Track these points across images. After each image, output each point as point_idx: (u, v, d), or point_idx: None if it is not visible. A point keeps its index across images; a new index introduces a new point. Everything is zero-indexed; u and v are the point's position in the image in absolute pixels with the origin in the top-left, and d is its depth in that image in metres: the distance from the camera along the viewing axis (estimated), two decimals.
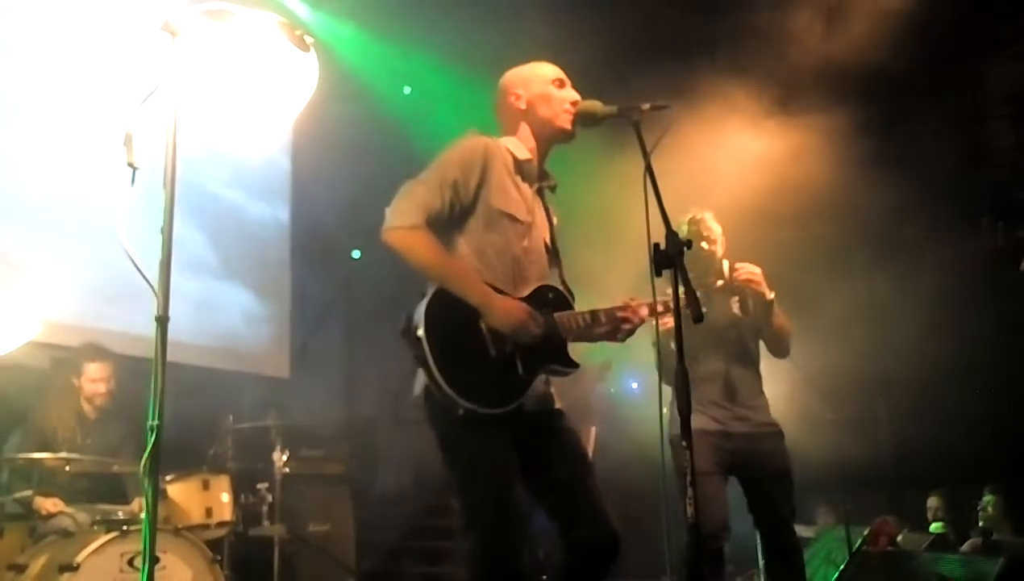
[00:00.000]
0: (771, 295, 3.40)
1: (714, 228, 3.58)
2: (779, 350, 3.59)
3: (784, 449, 3.48)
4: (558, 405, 2.54)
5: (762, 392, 3.57)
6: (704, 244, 3.49)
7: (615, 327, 2.53)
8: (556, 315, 2.44)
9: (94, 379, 4.39)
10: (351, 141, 6.70)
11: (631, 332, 2.57)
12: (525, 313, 2.31)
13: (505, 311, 2.29)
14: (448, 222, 2.39)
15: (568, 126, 2.54)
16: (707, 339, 3.50)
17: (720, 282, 3.43)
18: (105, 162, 4.14)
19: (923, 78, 5.12)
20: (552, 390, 2.53)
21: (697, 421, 3.37)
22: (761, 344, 3.64)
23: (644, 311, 2.56)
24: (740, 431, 3.41)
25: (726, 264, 3.42)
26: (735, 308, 3.57)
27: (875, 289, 5.96)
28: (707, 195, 3.68)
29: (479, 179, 2.41)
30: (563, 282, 2.62)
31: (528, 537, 2.39)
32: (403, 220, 2.30)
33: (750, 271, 3.38)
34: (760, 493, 3.42)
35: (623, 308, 2.54)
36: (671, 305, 2.43)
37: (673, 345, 3.41)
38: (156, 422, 1.99)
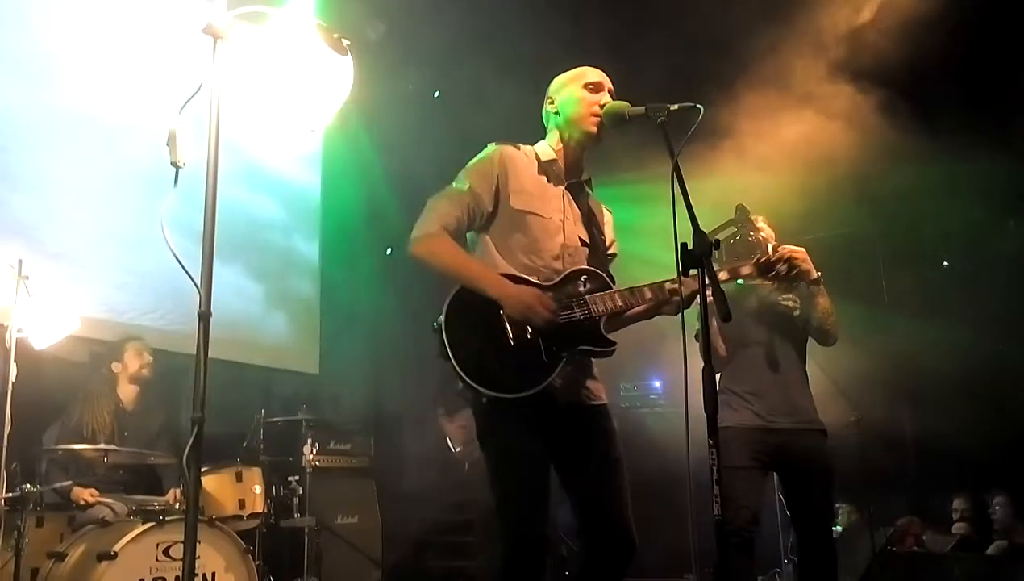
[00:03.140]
0: (817, 274, 3.35)
1: (764, 226, 3.56)
2: (825, 335, 3.52)
3: (827, 448, 3.43)
4: (600, 401, 2.56)
5: (807, 387, 3.52)
6: (752, 232, 3.43)
7: (662, 299, 2.53)
8: (588, 297, 2.47)
9: (139, 351, 4.51)
10: (381, 141, 6.77)
11: (685, 304, 2.50)
12: (532, 297, 2.37)
13: (515, 298, 2.37)
14: (476, 227, 2.56)
15: (594, 129, 2.58)
16: (753, 328, 3.51)
17: (747, 272, 3.41)
18: (149, 160, 4.24)
19: (953, 73, 5.06)
20: (593, 385, 2.55)
21: (740, 416, 3.40)
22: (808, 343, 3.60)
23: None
24: (783, 427, 3.37)
25: (771, 247, 3.40)
26: (779, 297, 3.55)
27: (900, 290, 5.92)
28: (731, 195, 3.69)
29: (496, 185, 2.53)
30: (606, 270, 2.64)
31: (552, 527, 2.42)
32: (421, 231, 2.47)
33: (793, 249, 3.38)
34: (799, 491, 3.40)
35: (671, 280, 2.51)
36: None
37: (714, 323, 3.43)
38: (199, 414, 2.05)
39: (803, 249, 3.33)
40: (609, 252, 2.74)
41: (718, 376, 3.59)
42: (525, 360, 2.36)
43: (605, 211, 2.79)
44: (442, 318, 2.37)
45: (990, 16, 4.95)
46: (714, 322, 3.44)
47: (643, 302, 2.52)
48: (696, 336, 3.45)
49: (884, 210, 5.78)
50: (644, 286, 2.52)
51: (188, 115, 2.03)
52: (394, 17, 6.19)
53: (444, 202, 2.51)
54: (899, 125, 4.78)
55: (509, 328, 2.36)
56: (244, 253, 6.03)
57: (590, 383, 2.55)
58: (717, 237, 3.42)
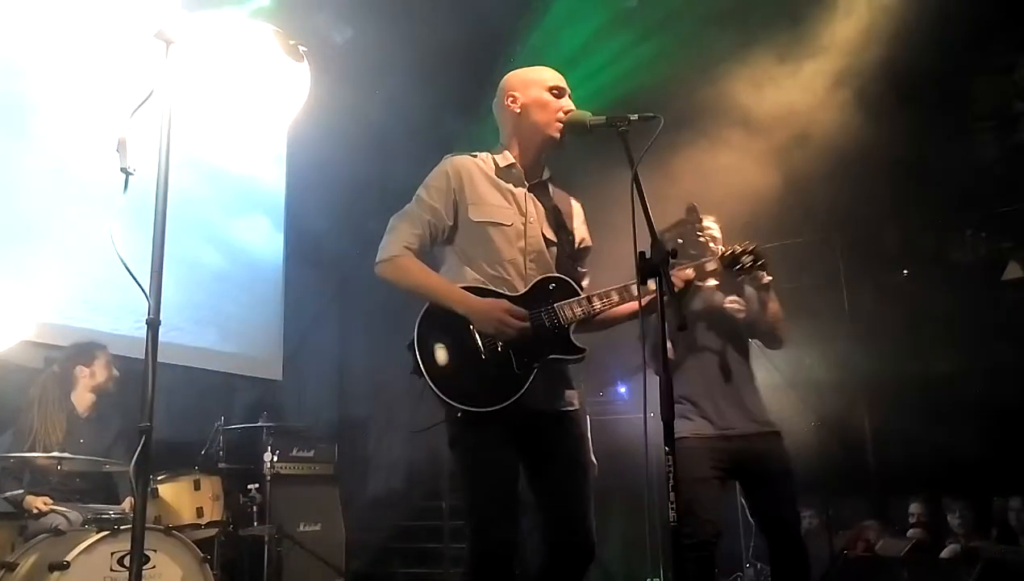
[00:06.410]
0: (768, 278, 3.31)
1: (712, 225, 3.53)
2: (773, 339, 3.51)
3: (784, 450, 3.40)
4: (573, 407, 2.57)
5: (757, 390, 3.48)
6: (700, 232, 3.43)
7: (628, 302, 2.54)
8: (556, 305, 2.48)
9: (109, 363, 4.45)
10: (345, 145, 6.73)
11: (645, 312, 2.49)
12: (501, 311, 2.39)
13: (483, 313, 2.39)
14: (439, 243, 2.59)
15: (556, 135, 2.58)
16: (703, 334, 3.47)
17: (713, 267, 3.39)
18: (100, 166, 4.18)
19: (908, 89, 5.17)
20: (567, 391, 2.55)
21: (696, 426, 3.34)
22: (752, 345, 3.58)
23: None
24: (738, 433, 3.33)
25: (721, 249, 3.38)
26: (724, 300, 3.51)
27: (859, 297, 6.02)
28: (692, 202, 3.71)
29: (454, 199, 2.56)
30: (568, 270, 2.62)
31: (521, 536, 2.43)
32: (386, 253, 2.52)
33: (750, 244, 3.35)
34: (761, 496, 3.36)
35: (625, 287, 2.54)
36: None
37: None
38: (147, 424, 2.02)
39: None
40: (580, 246, 2.71)
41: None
42: (498, 373, 2.39)
43: (574, 203, 2.77)
44: (414, 336, 2.40)
45: (948, 30, 5.05)
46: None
47: (610, 306, 2.53)
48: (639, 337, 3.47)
49: (845, 219, 5.86)
50: (611, 290, 2.53)
51: (140, 120, 2.01)
52: (361, 22, 6.17)
53: (405, 222, 2.55)
54: (859, 134, 4.86)
55: (480, 342, 2.38)
56: (206, 258, 5.96)
57: (565, 389, 2.55)
58: (667, 235, 3.43)
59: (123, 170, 2.01)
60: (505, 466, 2.41)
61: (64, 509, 3.98)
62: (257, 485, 4.98)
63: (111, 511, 4.10)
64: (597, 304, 2.51)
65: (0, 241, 4.60)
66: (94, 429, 4.39)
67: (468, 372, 2.38)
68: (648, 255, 2.15)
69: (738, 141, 4.52)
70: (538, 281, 2.53)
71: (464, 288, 2.47)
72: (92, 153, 4.75)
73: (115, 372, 4.47)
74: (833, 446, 3.58)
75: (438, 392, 2.34)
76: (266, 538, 4.90)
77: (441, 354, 2.39)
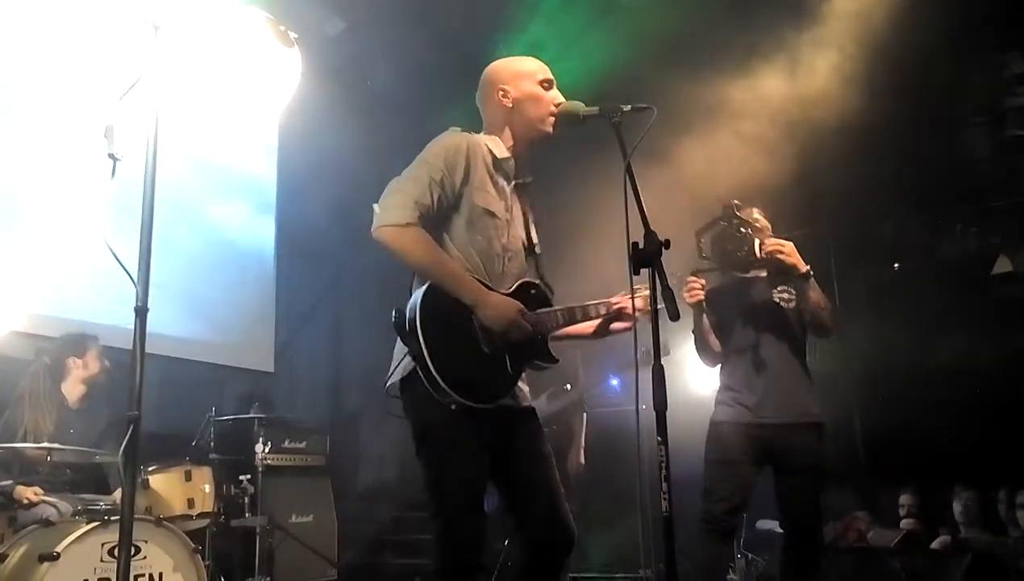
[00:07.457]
0: (805, 268, 3.35)
1: (759, 217, 3.59)
2: (819, 329, 3.50)
3: (817, 443, 3.41)
4: (530, 403, 2.55)
5: (803, 381, 3.48)
6: (742, 228, 3.44)
7: (604, 319, 2.61)
8: (539, 311, 2.47)
9: (101, 354, 4.44)
10: (338, 136, 6.71)
11: (605, 330, 2.67)
12: (517, 312, 2.34)
13: (498, 310, 2.31)
14: (434, 220, 2.37)
15: (551, 129, 2.54)
16: (742, 322, 3.52)
17: (751, 259, 3.40)
18: (87, 153, 4.15)
19: (900, 85, 5.17)
20: (524, 387, 2.54)
21: (733, 412, 3.45)
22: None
23: (624, 304, 2.61)
24: (772, 422, 3.37)
25: (757, 242, 3.37)
26: (772, 291, 3.55)
27: (850, 291, 6.03)
28: (683, 197, 3.71)
29: (463, 177, 2.40)
30: (541, 277, 2.63)
31: (487, 532, 2.38)
32: (396, 217, 2.27)
33: (778, 242, 3.35)
34: (785, 487, 3.41)
35: (603, 304, 2.61)
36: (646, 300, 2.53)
37: (705, 319, 3.48)
38: (135, 412, 2.01)
39: (790, 243, 3.35)
40: (538, 254, 2.70)
41: (718, 370, 3.65)
42: (494, 370, 2.34)
43: (528, 211, 2.71)
44: (417, 318, 2.22)
45: (941, 26, 5.06)
46: (705, 319, 3.50)
47: (574, 322, 2.57)
48: (692, 330, 3.54)
49: (836, 213, 5.87)
50: (576, 307, 2.57)
51: (128, 106, 1.99)
52: (353, 15, 6.15)
53: (415, 188, 2.32)
54: (851, 129, 4.87)
55: (483, 337, 2.31)
56: (197, 248, 5.93)
57: (523, 386, 2.53)
58: (703, 236, 3.47)
59: (111, 156, 1.99)
60: (481, 464, 2.34)
61: (54, 500, 3.98)
62: (248, 476, 4.97)
63: (101, 502, 4.09)
64: (567, 317, 2.54)
65: None
66: (84, 420, 4.38)
67: (467, 364, 2.28)
68: (641, 246, 2.15)
69: (728, 135, 4.52)
70: (522, 283, 2.49)
71: None
72: (79, 139, 4.71)
73: (107, 364, 4.46)
74: (825, 438, 3.60)
75: (440, 380, 2.19)
76: (257, 529, 4.90)
77: (442, 340, 2.23)
